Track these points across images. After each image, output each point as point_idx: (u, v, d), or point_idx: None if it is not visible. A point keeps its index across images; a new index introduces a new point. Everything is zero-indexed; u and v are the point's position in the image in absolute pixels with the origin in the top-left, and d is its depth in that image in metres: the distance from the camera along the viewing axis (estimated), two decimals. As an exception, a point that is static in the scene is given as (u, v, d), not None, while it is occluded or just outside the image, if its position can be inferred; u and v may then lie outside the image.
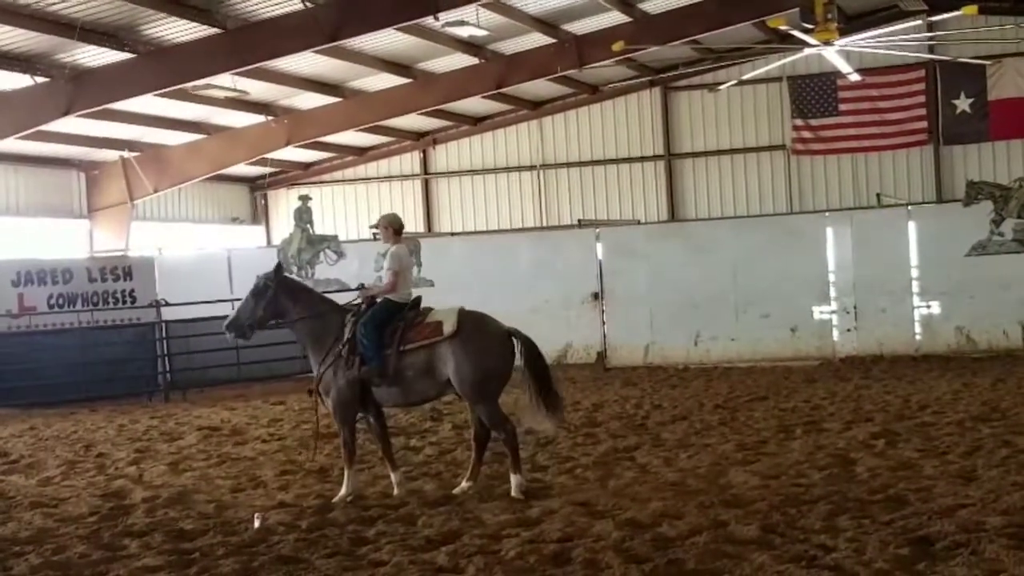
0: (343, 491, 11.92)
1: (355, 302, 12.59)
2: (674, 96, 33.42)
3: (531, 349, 12.00)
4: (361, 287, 12.66)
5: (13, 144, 25.94)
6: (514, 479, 11.70)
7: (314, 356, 12.42)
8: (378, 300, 12.27)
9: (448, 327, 11.76)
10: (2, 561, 9.84)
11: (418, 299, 12.40)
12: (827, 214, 26.98)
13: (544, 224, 33.38)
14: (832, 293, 24.74)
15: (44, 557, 9.84)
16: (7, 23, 20.00)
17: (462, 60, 27.65)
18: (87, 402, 22.29)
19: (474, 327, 11.92)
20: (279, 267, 12.80)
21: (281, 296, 12.50)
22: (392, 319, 12.06)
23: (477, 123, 34.58)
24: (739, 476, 12.04)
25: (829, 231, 25.12)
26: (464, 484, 12.02)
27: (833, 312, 24.74)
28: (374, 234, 31.76)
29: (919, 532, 9.30)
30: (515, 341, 11.94)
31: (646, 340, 25.07)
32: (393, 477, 12.25)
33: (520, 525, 10.36)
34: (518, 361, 12.02)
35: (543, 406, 11.96)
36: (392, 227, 12.65)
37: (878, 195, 30.45)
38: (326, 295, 12.91)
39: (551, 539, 9.78)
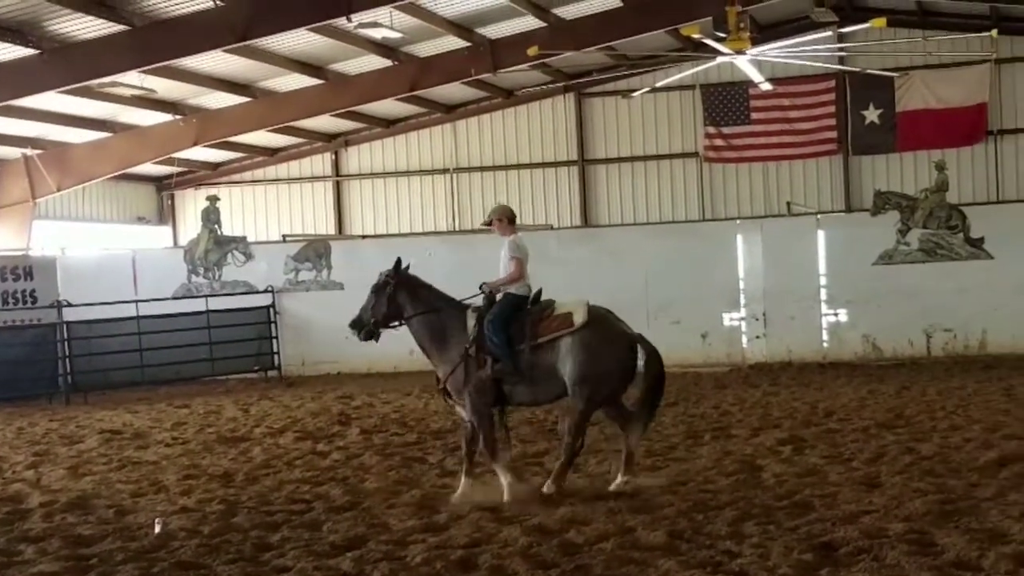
0: (505, 482, 11.58)
1: (477, 299, 12.24)
2: (588, 102, 33.45)
3: (656, 360, 11.72)
4: (482, 285, 12.24)
5: (-88, 140, 25.37)
6: (550, 483, 11.52)
7: (434, 354, 12.15)
8: (498, 295, 12.01)
9: (579, 318, 11.53)
10: None
11: (539, 292, 12.13)
12: (738, 222, 27.18)
13: (457, 228, 33.24)
14: (742, 300, 24.95)
15: (-65, 563, 9.57)
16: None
17: (375, 62, 27.43)
18: (-14, 404, 21.88)
19: (604, 325, 11.69)
20: (399, 262, 12.43)
21: (400, 293, 12.25)
22: (517, 314, 11.82)
23: (390, 125, 34.36)
24: (647, 482, 12.02)
25: (739, 238, 25.33)
26: (620, 479, 11.71)
27: (743, 319, 24.94)
28: (284, 236, 31.51)
29: (823, 538, 9.37)
30: (639, 349, 11.70)
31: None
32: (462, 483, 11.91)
33: (427, 531, 10.29)
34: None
35: (641, 417, 11.77)
36: (506, 218, 12.46)
37: (788, 203, 30.71)
38: (444, 293, 12.47)
39: (458, 545, 9.71)
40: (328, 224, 34.86)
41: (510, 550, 9.41)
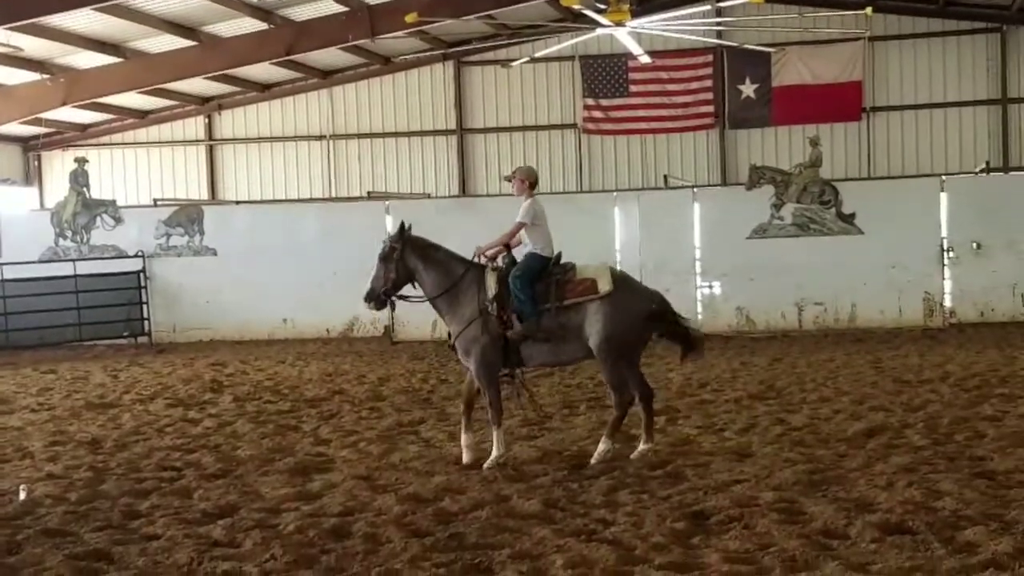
0: (495, 452, 11.42)
1: (478, 259, 11.99)
2: (467, 71, 33.35)
3: (671, 315, 11.76)
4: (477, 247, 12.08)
5: None
6: (602, 445, 11.44)
7: (447, 311, 11.94)
8: (527, 253, 11.83)
9: (604, 285, 11.42)
10: None
11: (559, 255, 11.93)
12: (615, 194, 27.27)
13: (333, 195, 32.96)
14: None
15: None
16: None
17: (250, 25, 26.98)
18: None
19: (628, 288, 11.68)
20: (403, 226, 11.97)
21: (409, 256, 11.89)
22: (542, 274, 11.67)
23: (265, 90, 33.89)
24: (523, 451, 12.07)
25: (617, 210, 25.43)
26: (642, 447, 11.58)
27: (618, 290, 25.02)
28: (155, 200, 30.91)
29: (695, 507, 9.49)
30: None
31: (433, 314, 24.86)
32: (464, 440, 11.80)
33: (300, 499, 10.21)
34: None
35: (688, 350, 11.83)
36: (528, 180, 12.16)
37: (665, 176, 30.94)
38: (454, 252, 12.11)
39: (332, 513, 9.67)
40: (201, 189, 34.32)
41: (384, 518, 9.38)
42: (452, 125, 33.38)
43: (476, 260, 12.03)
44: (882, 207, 24.49)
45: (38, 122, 31.05)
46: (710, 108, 31.42)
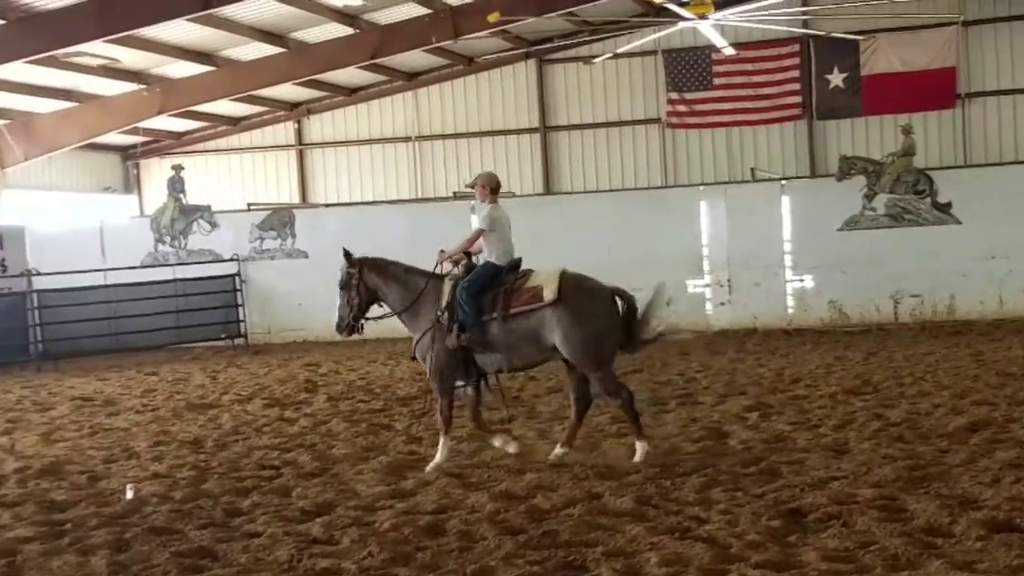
0: (437, 458, 11.58)
1: (440, 267, 12.21)
2: (549, 69, 33.35)
3: (631, 310, 11.81)
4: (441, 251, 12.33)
5: None
6: (639, 446, 11.43)
7: (408, 322, 12.13)
8: (478, 262, 11.99)
9: (549, 293, 11.43)
10: None
11: (518, 261, 12.04)
12: (701, 188, 27.17)
13: (419, 196, 33.19)
14: (706, 267, 24.96)
15: (-90, 531, 9.56)
16: None
17: (337, 30, 27.28)
18: (-43, 373, 21.85)
19: (578, 291, 11.62)
20: (347, 252, 12.26)
21: (368, 277, 12.17)
22: (492, 283, 11.74)
23: (352, 93, 34.20)
24: (613, 448, 12.08)
25: (703, 205, 25.33)
26: (559, 450, 11.69)
27: (707, 286, 24.95)
28: (249, 205, 31.35)
29: (791, 504, 9.37)
30: (619, 301, 11.76)
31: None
32: (495, 442, 11.97)
33: (395, 497, 10.35)
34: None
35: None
36: (489, 186, 12.29)
37: (752, 169, 30.66)
38: (412, 265, 12.40)
39: (426, 511, 9.78)
40: (292, 193, 34.75)
41: (477, 516, 9.48)
42: (535, 123, 33.43)
43: (439, 265, 12.17)
44: (980, 196, 24.06)
45: (136, 131, 31.63)
46: (797, 99, 31.02)
